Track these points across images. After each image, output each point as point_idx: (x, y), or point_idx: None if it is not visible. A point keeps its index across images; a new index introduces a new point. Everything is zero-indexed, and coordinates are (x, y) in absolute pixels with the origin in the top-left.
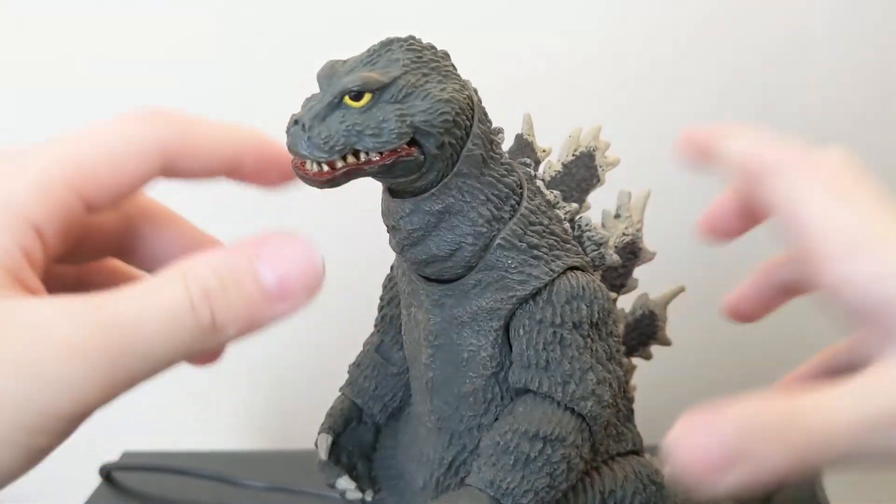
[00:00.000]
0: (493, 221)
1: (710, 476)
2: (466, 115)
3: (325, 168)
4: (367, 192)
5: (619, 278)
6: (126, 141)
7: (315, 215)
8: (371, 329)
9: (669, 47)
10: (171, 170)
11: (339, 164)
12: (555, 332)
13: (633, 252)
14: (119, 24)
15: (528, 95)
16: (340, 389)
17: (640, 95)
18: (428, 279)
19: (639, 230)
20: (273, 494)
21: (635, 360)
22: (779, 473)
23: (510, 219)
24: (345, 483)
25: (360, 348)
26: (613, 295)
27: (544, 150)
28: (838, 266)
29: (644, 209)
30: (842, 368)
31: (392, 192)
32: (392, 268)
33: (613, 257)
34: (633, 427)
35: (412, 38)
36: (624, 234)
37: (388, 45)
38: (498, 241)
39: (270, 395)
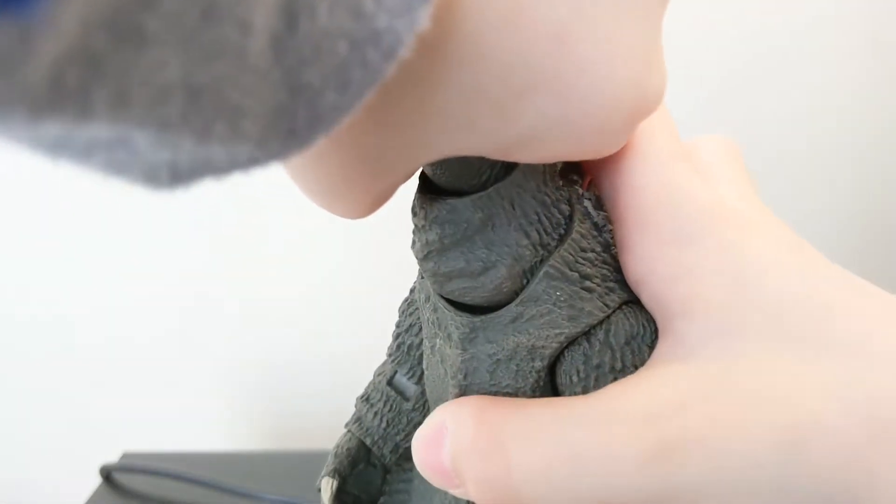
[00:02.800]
0: (539, 247)
1: (443, 483)
2: None
3: None
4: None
5: None
6: None
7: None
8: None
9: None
10: None
11: None
12: (615, 379)
13: None
14: None
15: None
16: (346, 426)
17: None
18: (458, 307)
19: None
20: (273, 495)
21: None
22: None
23: (557, 246)
24: None
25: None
26: None
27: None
28: (655, 250)
29: None
30: None
31: (427, 187)
32: (412, 291)
33: None
34: None
35: None
36: None
37: None
38: (546, 268)
39: (271, 397)
